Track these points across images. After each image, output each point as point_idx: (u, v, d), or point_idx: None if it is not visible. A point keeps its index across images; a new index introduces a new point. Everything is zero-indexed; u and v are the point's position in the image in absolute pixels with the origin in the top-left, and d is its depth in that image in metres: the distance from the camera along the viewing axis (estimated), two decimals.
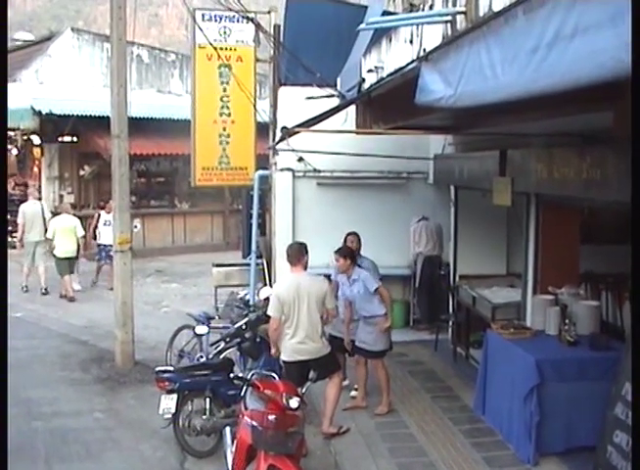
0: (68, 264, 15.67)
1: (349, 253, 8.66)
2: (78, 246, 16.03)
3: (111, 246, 14.19)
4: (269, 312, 7.68)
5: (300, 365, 7.45)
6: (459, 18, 5.05)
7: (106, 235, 15.98)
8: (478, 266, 10.94)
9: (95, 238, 17.20)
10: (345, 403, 8.80)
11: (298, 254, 7.80)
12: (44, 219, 16.44)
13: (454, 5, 5.21)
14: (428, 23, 5.71)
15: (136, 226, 20.93)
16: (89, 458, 7.79)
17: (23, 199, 18.83)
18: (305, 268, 7.85)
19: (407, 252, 12.29)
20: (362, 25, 6.78)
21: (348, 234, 9.45)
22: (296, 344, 7.53)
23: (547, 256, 8.65)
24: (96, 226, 17.07)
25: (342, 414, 8.36)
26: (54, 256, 15.84)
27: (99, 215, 17.09)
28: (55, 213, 17.10)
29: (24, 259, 16.45)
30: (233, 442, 6.66)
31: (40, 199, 18.43)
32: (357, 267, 8.64)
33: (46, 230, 16.03)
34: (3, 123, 9.25)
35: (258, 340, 8.76)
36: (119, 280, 10.80)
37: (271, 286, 11.24)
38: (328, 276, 8.66)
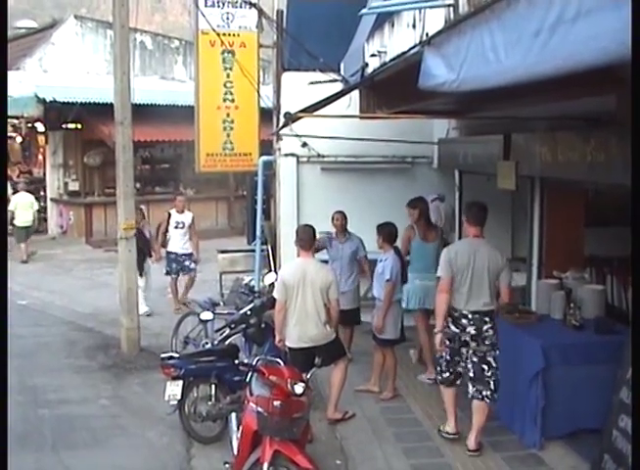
0: (25, 233, 18.82)
1: (386, 233, 8.75)
2: (34, 219, 19.25)
3: (184, 255, 13.58)
4: (274, 294, 7.72)
5: (306, 351, 7.43)
6: (461, 2, 5.01)
7: (176, 241, 13.47)
8: None
9: (164, 245, 13.53)
10: (359, 385, 8.90)
11: (312, 238, 7.81)
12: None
13: None
14: (430, 7, 5.67)
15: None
16: (96, 445, 7.82)
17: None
18: (314, 254, 7.87)
19: None
20: (364, 10, 6.74)
21: (335, 212, 9.81)
22: (299, 331, 7.55)
23: (552, 239, 8.64)
24: (166, 230, 13.48)
25: (348, 400, 8.37)
26: (13, 225, 18.74)
27: (169, 216, 13.51)
28: (15, 191, 19.84)
29: None
30: (238, 428, 6.67)
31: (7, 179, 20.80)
32: (392, 250, 8.70)
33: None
34: (3, 124, 9.29)
35: (263, 326, 8.76)
36: (124, 267, 10.81)
37: (276, 272, 11.24)
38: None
